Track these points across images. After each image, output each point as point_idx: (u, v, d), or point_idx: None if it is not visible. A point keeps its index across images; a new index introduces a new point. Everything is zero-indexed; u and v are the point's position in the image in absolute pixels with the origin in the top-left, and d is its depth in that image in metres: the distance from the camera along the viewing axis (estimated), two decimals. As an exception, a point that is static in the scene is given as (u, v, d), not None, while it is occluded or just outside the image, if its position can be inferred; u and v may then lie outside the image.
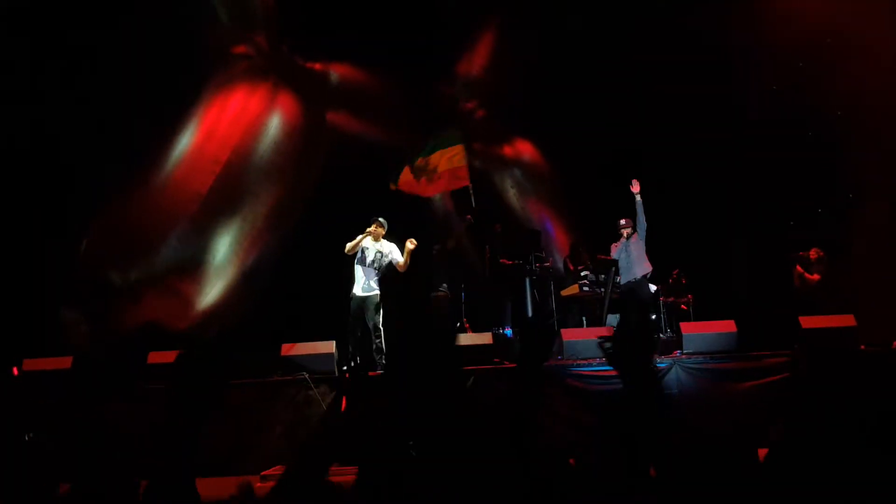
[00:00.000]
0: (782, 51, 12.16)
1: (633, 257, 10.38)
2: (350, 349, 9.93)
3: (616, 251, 10.58)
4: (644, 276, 10.37)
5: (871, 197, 11.61)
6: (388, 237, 10.29)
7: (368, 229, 10.11)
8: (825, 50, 11.78)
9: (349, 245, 10.03)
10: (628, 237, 10.44)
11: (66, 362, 9.35)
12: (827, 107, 11.94)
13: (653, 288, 11.15)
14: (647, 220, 10.29)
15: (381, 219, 10.10)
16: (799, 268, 11.03)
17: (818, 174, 11.99)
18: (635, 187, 10.31)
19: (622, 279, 10.52)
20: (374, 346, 9.78)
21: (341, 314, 10.91)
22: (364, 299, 9.88)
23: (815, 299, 10.63)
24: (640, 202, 10.29)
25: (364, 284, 9.92)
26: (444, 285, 11.61)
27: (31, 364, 9.31)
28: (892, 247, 11.23)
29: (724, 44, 12.26)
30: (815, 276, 10.86)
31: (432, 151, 13.02)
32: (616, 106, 13.20)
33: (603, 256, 11.17)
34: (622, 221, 10.53)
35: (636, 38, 12.87)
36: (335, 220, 11.91)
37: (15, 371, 7.63)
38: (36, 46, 11.13)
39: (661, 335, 11.56)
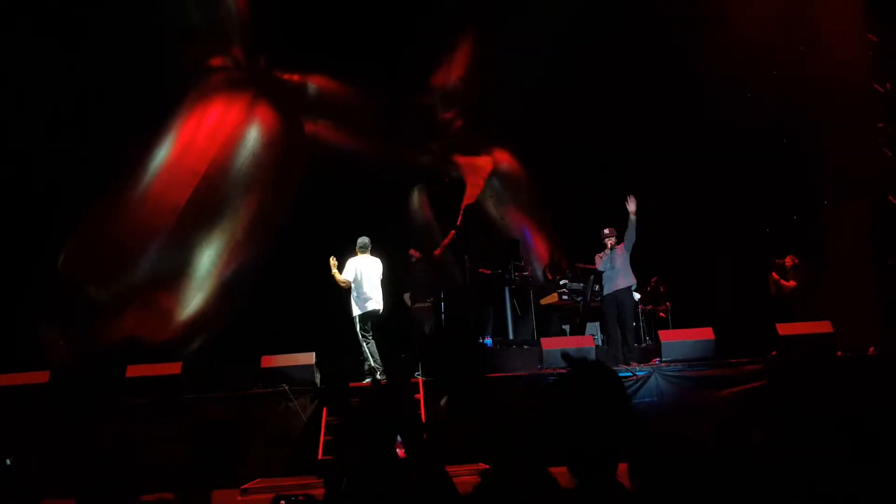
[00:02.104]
0: (756, 60, 12.27)
1: (617, 268, 9.99)
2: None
3: (602, 262, 10.19)
4: (629, 288, 10.07)
5: (846, 202, 11.69)
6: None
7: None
8: (798, 55, 11.92)
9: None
10: (612, 247, 9.98)
11: (42, 377, 9.20)
12: (800, 113, 12.05)
13: (637, 297, 11.09)
14: (637, 237, 9.77)
15: (360, 241, 9.99)
16: (775, 275, 11.07)
17: (792, 181, 12.07)
18: (631, 205, 9.61)
19: (606, 289, 10.21)
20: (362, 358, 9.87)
21: (321, 326, 10.91)
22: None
23: (791, 306, 10.69)
24: (634, 220, 9.63)
25: None
26: (430, 299, 11.60)
27: (5, 379, 9.13)
28: (866, 252, 11.33)
29: (700, 55, 12.34)
30: (791, 283, 10.92)
31: None
32: (594, 116, 13.26)
33: (583, 265, 11.14)
34: (605, 231, 10.07)
35: (615, 48, 12.95)
36: (315, 232, 11.90)
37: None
38: (8, 58, 10.97)
39: (641, 343, 11.60)
